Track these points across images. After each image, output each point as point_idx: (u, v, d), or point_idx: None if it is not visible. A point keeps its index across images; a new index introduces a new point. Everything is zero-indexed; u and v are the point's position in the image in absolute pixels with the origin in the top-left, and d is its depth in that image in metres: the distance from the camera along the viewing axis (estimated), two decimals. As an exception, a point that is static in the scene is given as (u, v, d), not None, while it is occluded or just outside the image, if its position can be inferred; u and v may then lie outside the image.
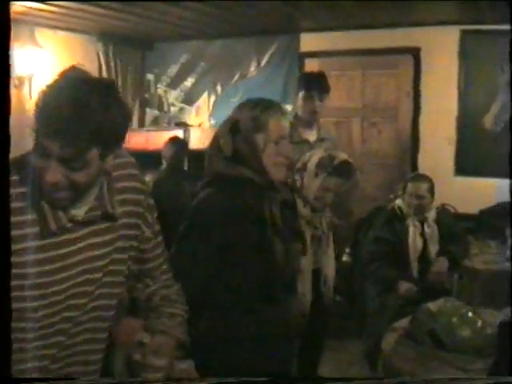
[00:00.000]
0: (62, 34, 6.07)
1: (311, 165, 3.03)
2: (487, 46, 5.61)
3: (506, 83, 5.51)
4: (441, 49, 5.81)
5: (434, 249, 4.14)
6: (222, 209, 2.02)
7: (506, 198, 4.96)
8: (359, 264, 4.29)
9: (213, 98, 6.86)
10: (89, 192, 1.60)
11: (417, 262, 4.10)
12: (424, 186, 4.16)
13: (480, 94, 5.68)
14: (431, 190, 4.18)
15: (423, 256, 4.11)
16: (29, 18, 5.23)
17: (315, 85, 3.94)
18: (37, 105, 1.49)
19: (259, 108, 2.17)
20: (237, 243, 2.03)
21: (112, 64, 6.71)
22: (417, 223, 4.16)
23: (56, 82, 1.50)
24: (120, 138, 1.56)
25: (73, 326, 1.65)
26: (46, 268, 1.56)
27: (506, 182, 5.22)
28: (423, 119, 5.88)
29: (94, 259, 1.65)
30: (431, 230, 4.18)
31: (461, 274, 4.20)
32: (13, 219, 1.52)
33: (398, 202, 4.28)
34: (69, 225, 1.59)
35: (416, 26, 5.77)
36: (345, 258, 4.40)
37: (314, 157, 3.07)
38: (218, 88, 6.83)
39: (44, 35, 5.88)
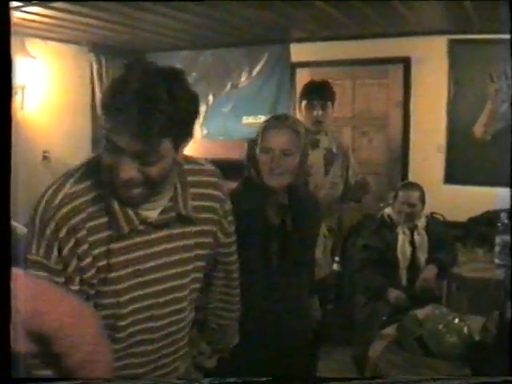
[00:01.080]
0: (53, 44, 6.09)
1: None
2: (476, 55, 5.66)
3: (496, 92, 5.56)
4: (430, 58, 5.84)
5: (423, 257, 4.16)
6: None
7: (494, 206, 5.02)
8: (349, 272, 4.32)
9: (204, 108, 6.88)
10: (162, 192, 1.56)
11: (406, 269, 4.12)
12: (415, 195, 4.18)
13: (469, 102, 5.72)
14: (422, 199, 4.21)
15: (412, 264, 4.14)
16: (19, 29, 5.24)
17: (317, 93, 3.82)
18: (103, 101, 1.46)
19: (265, 120, 2.51)
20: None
21: (104, 74, 6.73)
22: (406, 231, 4.19)
23: (122, 75, 1.45)
24: (191, 128, 1.53)
25: (154, 333, 1.65)
26: (121, 273, 1.55)
27: (494, 190, 5.30)
28: (413, 128, 5.92)
29: (174, 265, 1.64)
30: (421, 237, 4.21)
31: (449, 282, 4.23)
32: (89, 224, 1.50)
33: (388, 210, 4.31)
34: (141, 227, 1.55)
35: (406, 35, 5.82)
36: (334, 266, 4.42)
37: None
38: (210, 98, 6.85)
39: (35, 46, 5.89)
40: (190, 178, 1.67)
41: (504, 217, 4.47)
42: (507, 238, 4.45)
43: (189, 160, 1.74)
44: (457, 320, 2.64)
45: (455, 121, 5.78)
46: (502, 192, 5.19)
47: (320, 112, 3.77)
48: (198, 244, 1.69)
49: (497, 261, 4.37)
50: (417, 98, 5.92)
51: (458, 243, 4.78)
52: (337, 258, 4.46)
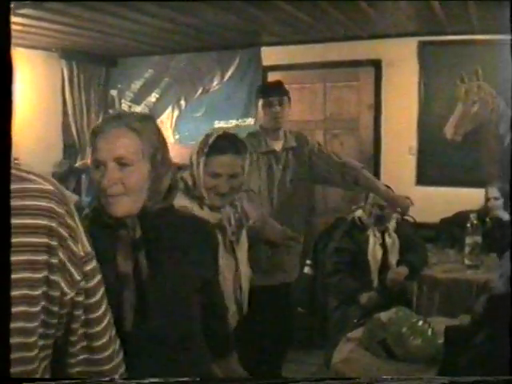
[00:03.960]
0: (22, 50, 6.04)
1: (194, 155, 2.47)
2: (447, 57, 5.69)
3: (466, 93, 5.59)
4: (401, 60, 5.87)
5: (394, 259, 4.21)
6: None
7: (465, 207, 5.04)
8: (321, 275, 4.32)
9: (176, 113, 6.87)
10: None
11: (377, 272, 4.16)
12: None
13: (440, 104, 5.75)
14: None
15: (384, 266, 4.17)
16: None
17: (272, 91, 3.84)
18: None
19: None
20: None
21: (75, 80, 6.69)
22: (377, 233, 4.22)
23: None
24: None
25: None
26: None
27: (465, 191, 5.34)
28: (385, 130, 5.94)
29: None
30: (392, 240, 4.25)
31: (420, 283, 4.23)
32: None
33: (358, 212, 4.33)
34: None
35: (376, 38, 5.84)
36: (306, 269, 4.41)
37: (196, 145, 2.51)
38: (182, 103, 6.84)
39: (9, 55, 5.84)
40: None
41: (474, 218, 4.49)
42: (477, 238, 4.47)
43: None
44: (420, 322, 2.64)
45: (426, 122, 5.81)
46: (474, 193, 5.24)
47: (278, 108, 3.73)
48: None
49: (467, 261, 4.38)
50: (388, 100, 5.94)
51: (430, 244, 4.80)
52: (308, 261, 4.44)
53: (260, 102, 3.81)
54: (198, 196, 2.45)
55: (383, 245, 4.22)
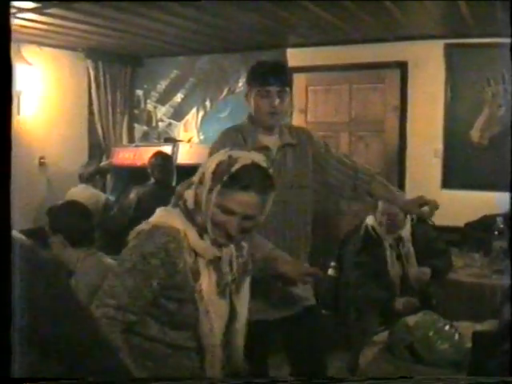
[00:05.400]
0: (49, 50, 6.10)
1: (207, 174, 1.97)
2: (473, 60, 5.65)
3: (493, 96, 5.55)
4: (427, 62, 5.84)
5: (412, 266, 4.10)
6: None
7: (491, 210, 5.00)
8: (344, 278, 4.28)
9: (202, 114, 6.89)
10: None
11: (400, 280, 4.08)
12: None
13: (466, 107, 5.71)
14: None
15: (404, 275, 4.10)
16: (15, 35, 5.25)
17: (272, 77, 2.93)
18: None
19: None
20: None
21: (101, 80, 6.74)
22: (392, 243, 4.10)
23: None
24: None
25: None
26: None
27: (491, 194, 5.28)
28: (410, 133, 5.90)
29: None
30: (406, 250, 4.12)
31: (446, 287, 4.20)
32: None
33: (370, 220, 4.18)
34: None
35: (402, 40, 5.81)
36: (330, 271, 4.39)
37: (213, 162, 1.99)
38: (207, 103, 6.87)
39: (31, 52, 5.91)
40: None
41: (500, 221, 4.45)
42: (504, 243, 4.44)
43: None
44: (447, 327, 2.62)
45: (452, 125, 5.76)
46: (500, 196, 5.19)
47: (277, 101, 2.91)
48: None
49: (493, 266, 4.34)
50: (413, 102, 5.91)
51: (455, 248, 4.76)
52: (332, 263, 4.41)
53: (253, 92, 2.95)
54: (199, 223, 1.98)
55: (399, 257, 4.12)
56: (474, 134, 5.64)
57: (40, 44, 5.95)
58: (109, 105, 6.83)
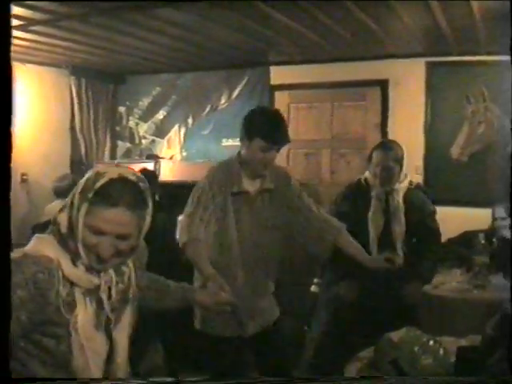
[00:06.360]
0: (32, 67, 6.10)
1: (76, 194, 1.79)
2: (453, 78, 5.74)
3: (472, 113, 5.62)
4: (408, 81, 5.92)
5: (398, 226, 3.84)
6: None
7: (472, 226, 5.06)
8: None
9: (184, 131, 6.92)
10: None
11: (377, 240, 3.82)
12: (390, 155, 3.79)
13: (447, 124, 5.79)
14: (399, 160, 3.82)
15: (385, 234, 3.83)
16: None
17: (276, 137, 3.06)
18: None
19: None
20: None
21: (84, 97, 6.75)
22: (381, 195, 3.86)
23: None
24: None
25: None
26: None
27: (472, 211, 5.35)
28: (391, 150, 5.94)
29: None
30: (396, 203, 3.85)
31: (428, 302, 4.22)
32: None
33: (367, 173, 3.97)
34: None
35: (383, 58, 5.90)
36: (313, 288, 4.41)
37: (82, 181, 1.82)
38: (190, 120, 6.90)
39: (15, 69, 5.90)
40: None
41: (482, 237, 4.49)
42: (485, 258, 4.48)
43: None
44: (432, 342, 2.64)
45: (433, 142, 5.85)
46: (480, 212, 5.26)
47: (274, 155, 3.09)
48: None
49: (474, 281, 4.38)
50: (394, 120, 5.98)
51: (437, 264, 4.78)
52: (315, 280, 4.42)
53: (256, 143, 3.04)
54: (72, 249, 1.79)
55: (386, 211, 3.84)
56: (455, 151, 5.72)
57: (24, 61, 5.95)
58: (91, 121, 6.84)
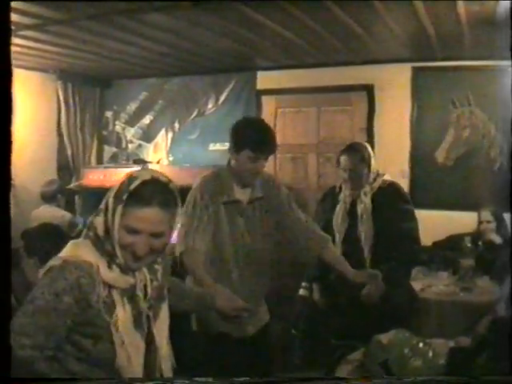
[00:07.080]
0: (19, 71, 6.08)
1: (110, 198, 1.90)
2: (438, 82, 5.79)
3: (458, 118, 5.68)
4: (393, 85, 5.96)
5: (364, 231, 3.76)
6: None
7: (457, 230, 5.11)
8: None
9: (171, 135, 6.92)
10: None
11: (341, 243, 3.80)
12: (353, 158, 3.77)
13: (432, 128, 5.84)
14: (364, 161, 3.80)
15: (349, 237, 3.80)
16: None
17: (267, 148, 3.10)
18: None
19: None
20: None
21: (71, 101, 6.73)
22: (347, 199, 3.84)
23: None
24: None
25: None
26: None
27: (458, 214, 5.40)
28: (377, 154, 5.93)
29: None
30: (362, 206, 3.79)
31: (414, 305, 4.24)
32: None
33: None
34: None
35: (369, 63, 5.94)
36: (302, 291, 4.40)
37: (116, 186, 1.93)
38: (176, 125, 6.90)
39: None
40: None
41: (468, 241, 4.54)
42: (471, 261, 4.53)
43: None
44: (421, 344, 2.67)
45: (418, 146, 5.89)
46: (466, 216, 5.31)
47: (263, 164, 3.14)
48: None
49: (460, 284, 4.42)
50: (380, 124, 6.03)
51: (423, 267, 4.82)
52: (303, 284, 4.41)
53: (245, 153, 3.08)
54: (109, 251, 1.89)
55: (351, 213, 3.80)
56: (440, 155, 5.76)
57: (12, 66, 5.93)
58: (78, 126, 6.82)
